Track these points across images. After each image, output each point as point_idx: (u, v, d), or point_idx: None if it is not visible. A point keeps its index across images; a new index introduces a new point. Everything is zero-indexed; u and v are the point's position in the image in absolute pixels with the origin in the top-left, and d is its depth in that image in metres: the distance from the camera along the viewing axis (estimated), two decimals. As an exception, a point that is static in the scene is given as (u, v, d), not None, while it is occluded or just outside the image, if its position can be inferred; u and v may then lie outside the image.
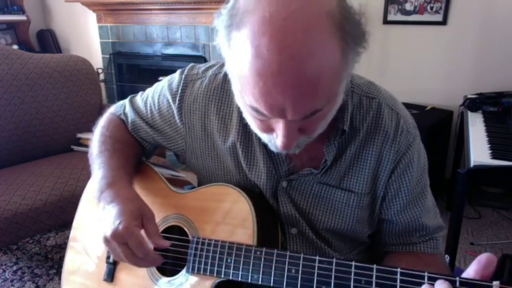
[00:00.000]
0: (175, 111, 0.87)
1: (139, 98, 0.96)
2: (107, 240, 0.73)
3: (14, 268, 2.08)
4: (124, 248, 0.72)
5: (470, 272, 0.55)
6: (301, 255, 0.68)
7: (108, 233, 0.72)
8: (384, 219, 0.84)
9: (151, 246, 0.81)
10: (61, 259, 2.11)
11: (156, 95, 0.91)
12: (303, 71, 0.54)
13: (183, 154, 0.91)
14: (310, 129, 0.66)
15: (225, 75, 0.84)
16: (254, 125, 0.68)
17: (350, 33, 0.57)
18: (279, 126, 0.62)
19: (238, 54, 0.58)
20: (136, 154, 0.95)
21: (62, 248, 2.24)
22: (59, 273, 2.01)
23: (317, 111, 0.60)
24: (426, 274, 0.58)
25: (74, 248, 0.97)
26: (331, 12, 0.56)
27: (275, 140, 0.65)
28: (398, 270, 0.60)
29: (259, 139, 0.80)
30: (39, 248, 2.25)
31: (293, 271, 0.67)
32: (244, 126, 0.81)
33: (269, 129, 0.66)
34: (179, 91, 0.87)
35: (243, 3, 0.58)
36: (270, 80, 0.55)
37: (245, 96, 0.61)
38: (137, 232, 0.72)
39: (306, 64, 0.54)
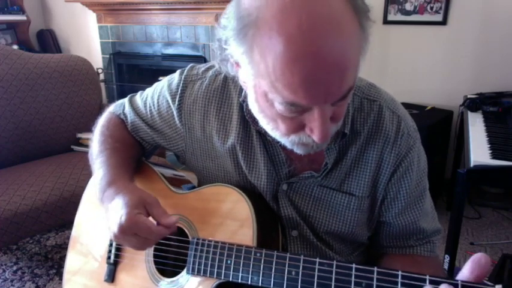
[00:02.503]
0: (174, 112, 0.87)
1: (138, 98, 0.96)
2: (116, 237, 0.73)
3: (14, 268, 2.07)
4: (136, 238, 0.72)
5: (466, 272, 0.54)
6: (302, 257, 0.67)
7: (115, 230, 0.72)
8: (382, 222, 0.84)
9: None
10: (61, 259, 2.12)
11: (156, 95, 0.91)
12: (339, 45, 0.54)
13: (183, 155, 0.91)
14: (339, 114, 0.65)
15: (226, 76, 0.84)
16: (282, 128, 0.65)
17: (359, 6, 0.58)
18: (314, 117, 0.60)
19: (265, 51, 0.56)
20: (136, 154, 0.95)
21: (62, 248, 2.24)
22: (59, 273, 2.01)
23: (351, 89, 0.60)
24: (428, 277, 0.57)
25: (74, 248, 0.97)
26: None
27: (307, 137, 0.64)
28: (400, 273, 0.59)
29: (259, 141, 0.80)
30: (39, 248, 2.25)
31: (293, 273, 0.67)
32: (244, 128, 0.81)
33: (300, 127, 0.63)
34: (179, 92, 0.86)
35: (250, 2, 0.57)
36: (310, 62, 0.54)
37: (276, 95, 0.58)
38: (141, 219, 0.72)
39: (339, 38, 0.54)
